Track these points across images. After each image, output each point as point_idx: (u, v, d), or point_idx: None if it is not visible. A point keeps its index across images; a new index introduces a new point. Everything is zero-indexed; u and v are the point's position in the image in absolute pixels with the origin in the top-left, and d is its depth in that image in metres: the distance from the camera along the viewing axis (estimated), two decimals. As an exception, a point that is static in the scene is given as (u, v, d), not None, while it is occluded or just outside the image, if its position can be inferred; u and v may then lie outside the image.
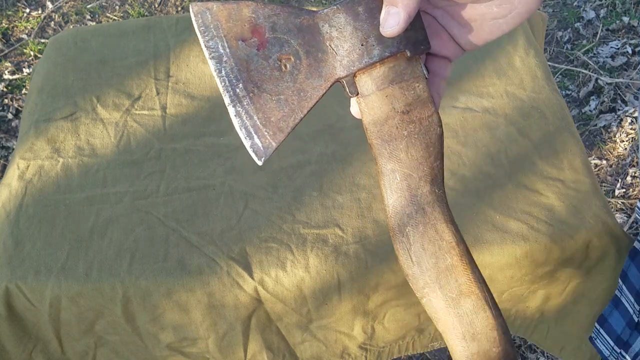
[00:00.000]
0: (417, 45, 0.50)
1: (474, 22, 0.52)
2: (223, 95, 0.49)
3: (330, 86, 0.50)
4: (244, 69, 0.49)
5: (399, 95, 0.50)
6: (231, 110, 0.50)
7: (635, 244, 0.79)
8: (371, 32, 0.49)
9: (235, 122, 0.50)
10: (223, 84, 0.49)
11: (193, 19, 0.49)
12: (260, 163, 0.50)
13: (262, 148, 0.50)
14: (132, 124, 1.03)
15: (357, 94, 0.51)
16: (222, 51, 0.49)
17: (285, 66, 0.49)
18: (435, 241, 0.50)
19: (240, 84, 0.49)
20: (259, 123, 0.50)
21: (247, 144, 0.50)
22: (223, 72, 0.49)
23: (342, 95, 0.54)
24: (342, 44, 0.49)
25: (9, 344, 0.89)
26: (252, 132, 0.50)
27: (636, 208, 0.74)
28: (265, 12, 0.49)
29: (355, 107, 0.53)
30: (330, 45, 0.49)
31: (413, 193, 0.51)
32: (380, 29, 0.48)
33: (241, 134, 0.50)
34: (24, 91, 2.13)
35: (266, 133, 0.50)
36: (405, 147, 0.50)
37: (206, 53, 0.49)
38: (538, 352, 1.57)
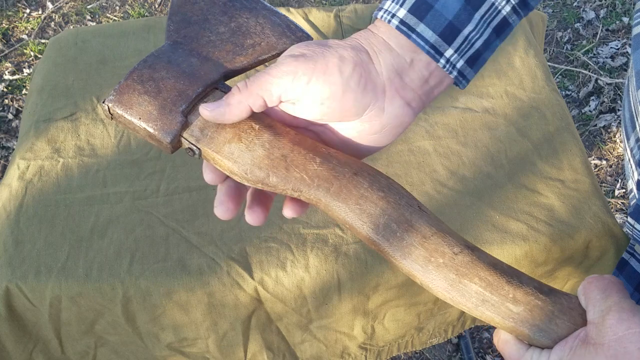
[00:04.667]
0: None
1: (355, 138, 0.52)
2: None
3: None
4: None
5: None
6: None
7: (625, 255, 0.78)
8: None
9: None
10: None
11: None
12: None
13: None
14: (132, 124, 1.03)
15: None
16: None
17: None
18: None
19: None
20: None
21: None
22: None
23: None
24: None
25: (9, 343, 0.89)
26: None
27: (626, 223, 0.74)
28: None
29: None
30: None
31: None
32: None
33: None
34: (24, 91, 2.13)
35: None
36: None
37: None
38: (538, 352, 1.57)
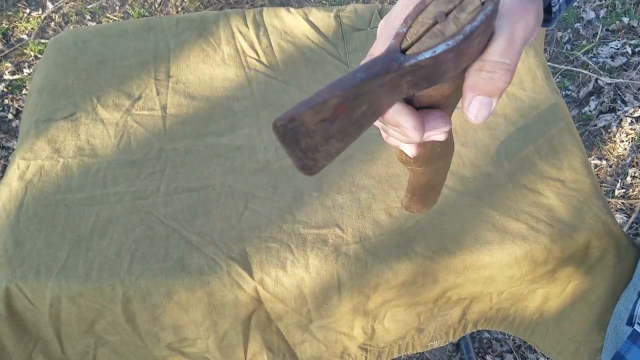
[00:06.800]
0: None
1: None
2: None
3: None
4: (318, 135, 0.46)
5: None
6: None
7: None
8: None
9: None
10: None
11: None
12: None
13: (313, 169, 0.48)
14: (132, 124, 1.03)
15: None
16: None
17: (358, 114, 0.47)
18: None
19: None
20: (320, 158, 0.48)
21: (297, 165, 0.48)
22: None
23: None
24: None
25: (9, 344, 0.89)
26: (311, 166, 0.48)
27: None
28: (352, 94, 0.44)
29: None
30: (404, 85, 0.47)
31: None
32: (468, 116, 0.47)
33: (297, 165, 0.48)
34: (24, 91, 2.13)
35: (325, 162, 0.48)
36: None
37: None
38: (538, 352, 1.57)
